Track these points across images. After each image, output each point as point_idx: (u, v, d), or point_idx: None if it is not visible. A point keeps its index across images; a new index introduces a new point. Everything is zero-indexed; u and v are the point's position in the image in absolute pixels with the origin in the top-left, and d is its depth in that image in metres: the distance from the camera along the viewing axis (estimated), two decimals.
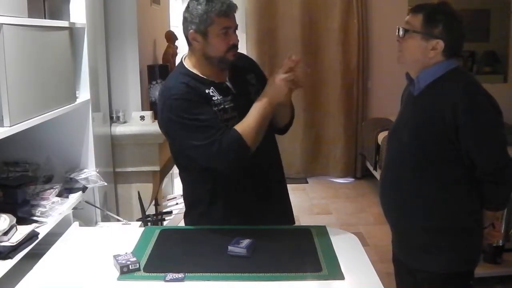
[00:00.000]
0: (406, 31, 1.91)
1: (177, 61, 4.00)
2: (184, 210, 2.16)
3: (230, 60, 1.91)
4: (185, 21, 1.89)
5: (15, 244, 1.79)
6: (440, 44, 1.88)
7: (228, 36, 1.87)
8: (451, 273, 1.95)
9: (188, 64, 1.95)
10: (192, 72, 1.93)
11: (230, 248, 1.75)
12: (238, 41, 1.91)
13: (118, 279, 1.63)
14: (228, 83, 1.97)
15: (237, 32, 1.92)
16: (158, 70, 3.50)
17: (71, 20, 2.45)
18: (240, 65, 2.01)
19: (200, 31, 1.86)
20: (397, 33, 1.95)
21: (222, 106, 1.91)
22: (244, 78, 2.00)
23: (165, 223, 3.30)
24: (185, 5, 1.92)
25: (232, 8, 1.87)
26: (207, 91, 1.90)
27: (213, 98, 1.90)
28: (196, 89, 1.88)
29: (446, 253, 1.94)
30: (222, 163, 1.84)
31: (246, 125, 1.82)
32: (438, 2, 1.96)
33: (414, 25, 1.90)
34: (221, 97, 1.92)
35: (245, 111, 1.87)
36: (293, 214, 2.22)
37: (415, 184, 1.95)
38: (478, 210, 1.95)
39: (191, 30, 1.87)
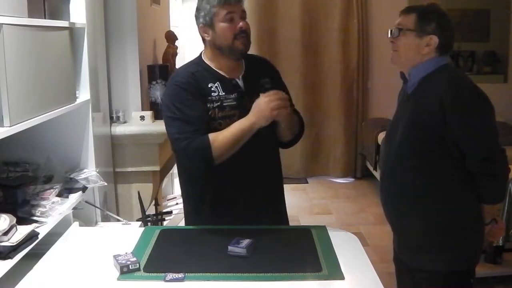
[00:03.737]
0: (400, 30, 1.95)
1: (177, 61, 4.05)
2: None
3: (240, 48, 1.92)
4: (196, 19, 1.96)
5: (15, 244, 1.79)
6: (434, 39, 1.91)
7: (234, 22, 1.89)
8: (451, 272, 1.95)
9: (204, 56, 2.01)
10: (205, 63, 1.98)
11: (230, 248, 1.75)
12: (246, 26, 1.92)
13: (118, 279, 1.63)
14: (239, 81, 1.98)
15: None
16: (158, 70, 3.51)
17: (71, 20, 2.45)
18: (257, 67, 2.04)
19: (207, 24, 1.92)
20: (389, 35, 2.00)
21: (219, 103, 1.92)
22: (258, 80, 2.00)
23: (165, 223, 3.30)
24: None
25: None
26: (210, 85, 1.93)
27: (212, 93, 1.92)
28: (199, 81, 1.92)
29: (445, 252, 1.94)
30: (186, 162, 1.92)
31: (220, 138, 1.84)
32: (428, 3, 2.00)
33: (406, 25, 1.95)
34: (223, 93, 1.93)
35: (248, 111, 1.88)
36: (287, 216, 2.20)
37: (411, 182, 1.96)
38: (476, 207, 1.95)
39: (200, 25, 1.94)
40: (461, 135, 1.86)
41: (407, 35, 1.94)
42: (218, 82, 1.94)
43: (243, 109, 1.91)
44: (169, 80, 2.02)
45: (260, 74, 2.01)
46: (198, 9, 1.94)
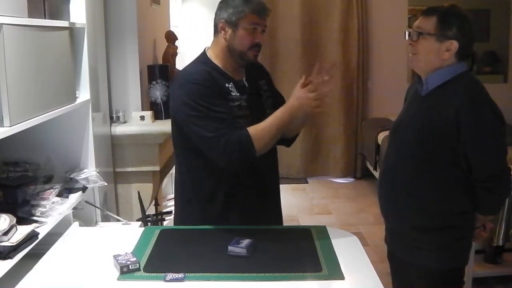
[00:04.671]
0: (420, 34, 1.91)
1: (177, 61, 4.05)
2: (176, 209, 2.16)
3: (250, 59, 1.94)
4: (219, 9, 1.94)
5: (15, 244, 1.79)
6: (454, 44, 1.88)
7: (255, 34, 1.90)
8: (441, 270, 1.97)
9: (210, 55, 1.98)
10: (214, 64, 1.96)
11: (230, 248, 1.75)
12: (263, 41, 1.94)
13: (118, 279, 1.63)
14: (245, 82, 1.99)
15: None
16: (158, 70, 3.50)
17: (71, 20, 2.45)
18: (254, 70, 2.06)
19: (231, 22, 1.90)
20: (408, 37, 1.95)
21: (239, 102, 1.93)
22: (257, 82, 2.03)
23: (165, 223, 3.30)
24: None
25: (266, 11, 1.92)
26: (227, 85, 1.93)
27: (231, 93, 1.93)
28: (217, 80, 1.91)
29: (436, 250, 1.96)
30: (224, 159, 1.82)
31: (261, 130, 1.82)
32: (449, 5, 1.97)
33: (427, 28, 1.90)
34: (238, 94, 1.94)
35: (256, 112, 1.90)
36: (282, 215, 2.22)
37: (412, 182, 1.96)
38: (470, 211, 1.97)
39: (222, 19, 1.91)
40: (471, 150, 1.85)
41: (427, 39, 1.89)
42: (231, 83, 1.95)
43: (253, 109, 1.93)
44: (181, 79, 1.93)
45: (257, 76, 2.04)
46: (226, 2, 1.91)
